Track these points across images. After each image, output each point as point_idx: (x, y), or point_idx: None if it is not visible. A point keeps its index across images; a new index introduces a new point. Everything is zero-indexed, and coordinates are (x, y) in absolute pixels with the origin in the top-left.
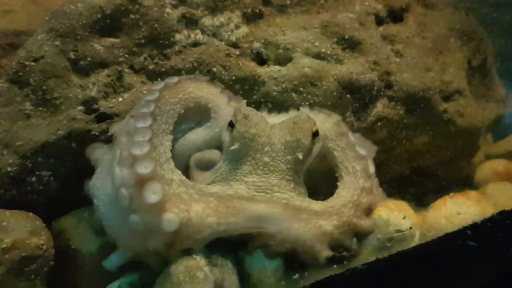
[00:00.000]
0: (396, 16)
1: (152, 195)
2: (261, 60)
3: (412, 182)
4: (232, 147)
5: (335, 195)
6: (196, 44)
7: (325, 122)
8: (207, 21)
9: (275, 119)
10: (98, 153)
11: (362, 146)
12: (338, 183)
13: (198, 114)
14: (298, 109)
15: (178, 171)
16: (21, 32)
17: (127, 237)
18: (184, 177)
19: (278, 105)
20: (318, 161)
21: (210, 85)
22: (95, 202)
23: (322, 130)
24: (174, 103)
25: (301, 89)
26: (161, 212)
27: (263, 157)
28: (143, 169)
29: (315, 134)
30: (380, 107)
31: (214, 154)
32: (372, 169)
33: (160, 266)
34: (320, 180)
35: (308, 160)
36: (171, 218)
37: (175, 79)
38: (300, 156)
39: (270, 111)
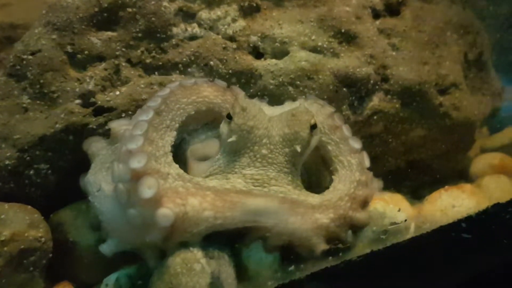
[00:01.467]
0: (392, 9)
1: (148, 190)
2: (257, 54)
3: (408, 175)
4: (230, 139)
5: (331, 188)
6: (193, 37)
7: (318, 114)
8: (204, 14)
9: (275, 110)
10: (95, 147)
11: (355, 139)
12: (333, 177)
13: (208, 117)
14: (294, 100)
15: (176, 165)
16: (18, 25)
17: (124, 231)
18: (181, 171)
19: (275, 99)
20: (311, 153)
21: (226, 92)
22: (90, 199)
23: (317, 121)
24: (186, 103)
25: (298, 82)
26: (156, 207)
27: (261, 149)
28: (136, 163)
29: (314, 127)
30: (376, 101)
31: (211, 146)
32: (367, 162)
33: (155, 260)
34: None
35: (306, 152)
36: (166, 213)
37: (192, 80)
38: (298, 149)
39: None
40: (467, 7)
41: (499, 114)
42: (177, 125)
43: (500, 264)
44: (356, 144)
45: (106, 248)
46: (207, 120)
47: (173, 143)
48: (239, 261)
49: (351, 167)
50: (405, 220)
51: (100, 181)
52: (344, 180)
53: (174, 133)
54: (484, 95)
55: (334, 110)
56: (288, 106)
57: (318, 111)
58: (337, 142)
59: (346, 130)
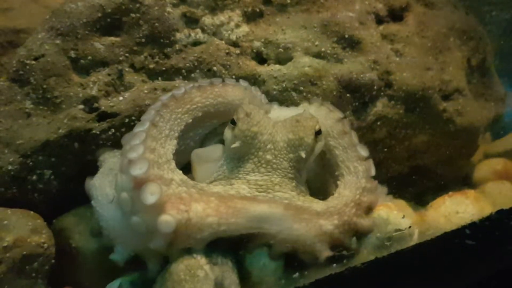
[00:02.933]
0: (396, 15)
1: (150, 196)
2: (261, 59)
3: (411, 181)
4: (233, 145)
5: (336, 194)
6: (196, 43)
7: (327, 118)
8: (208, 20)
9: (286, 111)
10: (107, 155)
11: (363, 147)
12: (338, 182)
13: (208, 120)
14: (308, 103)
15: (179, 171)
16: (21, 30)
17: (127, 238)
18: (185, 177)
19: (278, 104)
20: (317, 159)
21: (214, 88)
22: (92, 203)
23: (324, 126)
24: (181, 113)
25: (301, 88)
26: (158, 214)
27: (265, 155)
28: (138, 170)
29: (318, 133)
30: (380, 106)
31: (215, 149)
32: (373, 171)
33: (157, 266)
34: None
35: (310, 158)
36: (167, 219)
37: (181, 90)
38: (303, 155)
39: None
40: (470, 12)
41: (502, 119)
42: (176, 134)
43: (504, 270)
44: (363, 151)
45: (117, 256)
46: (210, 123)
47: (174, 151)
48: (243, 268)
49: (357, 174)
50: (409, 227)
51: (105, 186)
52: (350, 186)
53: (175, 141)
54: (487, 101)
55: (344, 115)
56: (301, 108)
57: (328, 115)
58: (345, 148)
59: (354, 137)
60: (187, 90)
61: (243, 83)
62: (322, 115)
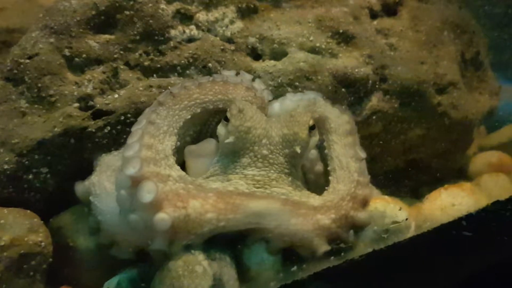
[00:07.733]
0: (390, 9)
1: (147, 194)
2: (256, 55)
3: (407, 174)
4: (227, 140)
5: (330, 189)
6: (191, 39)
7: (339, 117)
8: (202, 16)
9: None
10: (103, 156)
11: (361, 149)
12: (330, 178)
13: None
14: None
15: (177, 167)
16: (14, 29)
17: (127, 234)
18: (183, 173)
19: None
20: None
21: (214, 85)
22: (91, 199)
23: (336, 123)
24: (179, 109)
25: (297, 83)
26: (155, 211)
27: (261, 150)
28: (132, 169)
29: (312, 128)
30: (375, 101)
31: (208, 145)
32: (366, 171)
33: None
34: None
35: (305, 153)
36: (163, 217)
37: (178, 85)
38: (298, 150)
39: None
40: (463, 6)
41: (496, 112)
42: (175, 130)
43: (501, 261)
44: (361, 152)
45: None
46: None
47: (174, 147)
48: (241, 263)
49: (350, 169)
50: (406, 219)
51: (103, 180)
52: (343, 180)
53: (174, 138)
54: (482, 94)
55: (353, 118)
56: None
57: (339, 116)
58: (345, 145)
59: (356, 139)
60: (186, 86)
61: (247, 76)
62: (335, 114)
